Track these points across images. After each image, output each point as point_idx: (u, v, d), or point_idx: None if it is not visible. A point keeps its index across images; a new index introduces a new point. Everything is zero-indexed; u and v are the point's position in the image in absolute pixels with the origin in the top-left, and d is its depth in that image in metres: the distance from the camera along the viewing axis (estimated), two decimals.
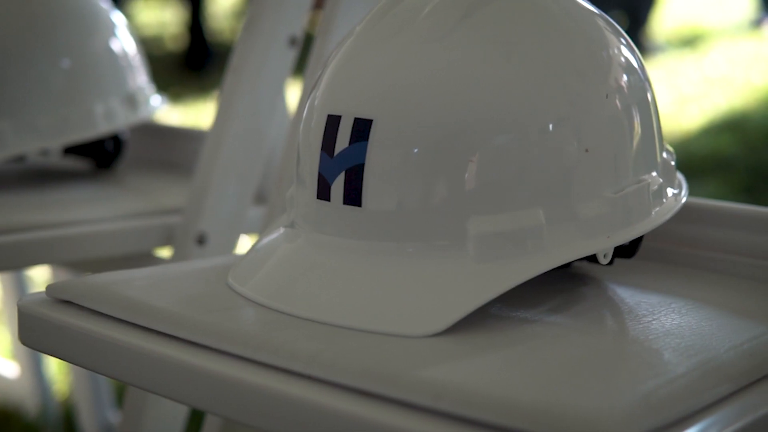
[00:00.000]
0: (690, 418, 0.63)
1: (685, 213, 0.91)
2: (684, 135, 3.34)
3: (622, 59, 0.81)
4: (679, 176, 0.88)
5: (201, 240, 1.15)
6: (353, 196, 0.76)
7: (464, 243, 0.74)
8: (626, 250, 0.86)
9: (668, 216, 0.81)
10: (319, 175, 0.78)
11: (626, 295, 0.83)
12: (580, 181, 0.76)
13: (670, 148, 0.87)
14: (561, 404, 0.60)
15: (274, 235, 0.84)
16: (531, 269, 0.74)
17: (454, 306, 0.72)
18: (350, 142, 0.77)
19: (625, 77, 0.80)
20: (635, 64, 0.82)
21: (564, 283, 0.85)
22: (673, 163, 0.85)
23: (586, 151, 0.76)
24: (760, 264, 0.89)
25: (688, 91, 3.91)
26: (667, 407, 0.62)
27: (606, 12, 0.85)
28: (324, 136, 0.78)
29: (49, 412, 1.80)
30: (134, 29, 1.32)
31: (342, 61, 0.81)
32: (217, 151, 1.16)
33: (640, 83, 0.82)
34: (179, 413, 1.18)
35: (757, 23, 5.24)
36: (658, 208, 0.81)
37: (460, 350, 0.69)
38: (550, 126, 0.76)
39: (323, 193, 0.78)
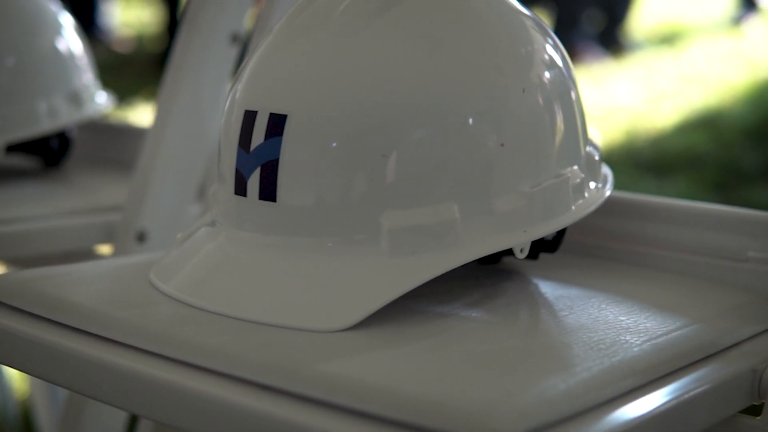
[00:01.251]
0: (587, 412, 0.62)
1: (611, 207, 0.91)
2: (658, 132, 3.35)
3: (545, 57, 0.81)
4: (606, 170, 0.88)
5: (141, 237, 1.15)
6: (268, 192, 0.76)
7: (378, 238, 0.74)
8: (550, 245, 0.86)
9: (589, 210, 0.81)
10: (237, 170, 0.78)
11: (548, 290, 0.83)
12: (496, 175, 0.76)
13: (596, 143, 0.87)
14: (453, 398, 0.60)
15: (197, 234, 0.83)
16: (444, 264, 0.74)
17: (364, 301, 0.72)
18: (266, 138, 0.76)
19: (546, 74, 0.80)
20: (559, 63, 0.82)
21: (487, 278, 0.85)
22: (597, 157, 0.85)
23: (502, 145, 0.76)
24: (683, 258, 0.89)
25: (664, 89, 3.91)
26: (564, 402, 0.62)
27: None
28: (241, 131, 0.78)
29: (8, 410, 1.79)
30: (115, 30, 1.31)
31: (260, 57, 0.81)
32: (157, 149, 1.16)
33: (563, 81, 0.81)
34: (119, 414, 1.17)
35: (737, 20, 5.24)
36: (579, 202, 0.81)
37: (367, 344, 0.69)
38: (466, 121, 0.75)
39: (240, 188, 0.78)
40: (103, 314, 0.75)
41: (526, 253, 0.78)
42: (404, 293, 0.73)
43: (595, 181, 0.84)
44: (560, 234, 0.85)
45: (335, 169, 0.75)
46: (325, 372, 0.64)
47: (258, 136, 0.77)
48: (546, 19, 4.47)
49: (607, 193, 0.84)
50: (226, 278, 0.77)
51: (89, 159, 1.41)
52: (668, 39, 4.87)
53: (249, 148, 0.77)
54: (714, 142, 3.19)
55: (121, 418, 1.19)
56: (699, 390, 0.70)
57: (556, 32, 0.86)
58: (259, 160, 0.76)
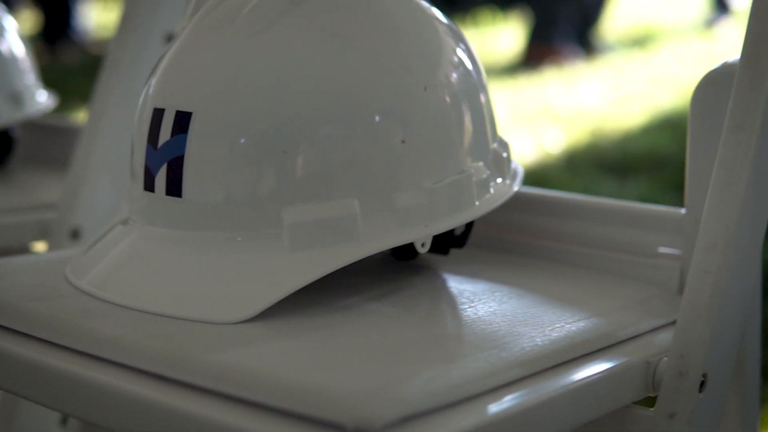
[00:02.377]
0: (467, 401, 0.64)
1: (523, 204, 0.93)
2: (624, 134, 3.37)
3: (453, 59, 0.83)
4: (515, 167, 0.90)
5: (75, 234, 1.16)
6: (174, 188, 0.78)
7: (280, 233, 0.76)
8: (458, 240, 0.87)
9: (494, 206, 0.83)
10: (146, 167, 0.80)
11: (454, 284, 0.85)
12: (397, 171, 0.78)
13: (505, 140, 0.89)
14: (333, 386, 0.62)
15: (114, 230, 0.85)
16: (344, 258, 0.76)
17: (263, 294, 0.74)
18: (172, 135, 0.78)
19: (453, 75, 0.82)
20: (468, 66, 0.83)
21: (397, 273, 0.86)
22: (505, 154, 0.87)
23: (403, 142, 0.78)
24: (594, 253, 0.91)
25: (633, 90, 3.93)
26: (444, 391, 0.63)
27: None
28: (150, 128, 0.80)
29: None
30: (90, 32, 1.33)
31: (171, 55, 0.82)
32: (91, 146, 1.17)
33: (470, 82, 0.83)
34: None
35: (710, 23, 5.27)
36: (484, 198, 0.82)
37: (263, 335, 0.71)
38: (368, 118, 0.77)
39: (149, 184, 0.79)
40: (12, 306, 0.76)
41: (428, 247, 0.80)
42: (303, 286, 0.74)
43: (502, 178, 0.86)
44: (468, 229, 0.87)
45: (237, 165, 0.76)
46: (214, 362, 0.66)
47: (165, 133, 0.78)
48: (526, 19, 4.51)
49: (514, 189, 0.86)
50: (134, 272, 0.79)
51: (33, 158, 1.42)
52: (640, 41, 4.89)
53: (157, 144, 0.79)
54: (678, 144, 3.21)
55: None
56: (589, 380, 0.71)
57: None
58: (166, 156, 0.78)
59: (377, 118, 0.77)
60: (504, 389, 0.67)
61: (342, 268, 0.75)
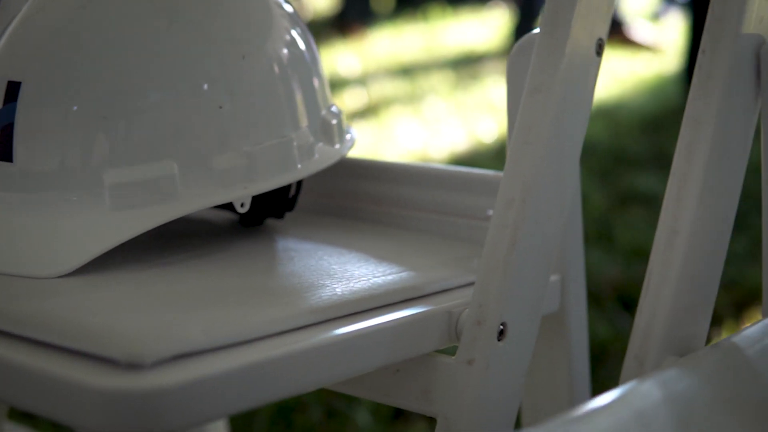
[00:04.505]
0: (243, 345, 0.68)
1: (358, 170, 0.98)
2: None
3: (282, 35, 0.88)
4: (351, 136, 0.94)
5: None
6: (5, 153, 0.82)
7: (102, 192, 0.80)
8: (288, 204, 0.92)
9: (317, 169, 0.87)
10: None
11: (282, 244, 0.90)
12: (216, 135, 0.82)
13: (337, 109, 0.93)
14: (115, 327, 0.67)
15: None
16: (162, 216, 0.80)
17: (82, 250, 0.78)
18: (4, 103, 0.82)
19: (279, 48, 0.87)
20: (299, 43, 0.89)
21: (235, 236, 0.91)
22: (335, 122, 0.91)
23: (220, 107, 0.82)
24: (427, 217, 0.96)
25: None
26: (221, 335, 0.68)
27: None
28: None
29: None
30: None
31: (11, 27, 0.86)
32: None
33: (298, 56, 0.88)
34: None
35: (657, 15, 5.33)
36: (307, 162, 0.87)
37: (78, 287, 0.76)
38: (188, 85, 0.82)
39: None
40: None
41: (247, 207, 0.84)
42: (121, 242, 0.79)
43: (330, 144, 0.90)
44: (296, 193, 0.92)
45: (63, 130, 0.81)
46: (19, 309, 0.70)
47: None
48: (510, 12, 4.54)
49: (341, 154, 0.90)
50: None
51: None
52: None
53: None
54: (609, 132, 3.27)
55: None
56: (380, 327, 0.75)
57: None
58: None
59: (196, 85, 0.82)
60: (288, 334, 0.71)
61: (186, 233, 0.80)
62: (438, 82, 4.20)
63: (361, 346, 0.74)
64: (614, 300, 1.97)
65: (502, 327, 0.79)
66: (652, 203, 2.54)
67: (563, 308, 0.93)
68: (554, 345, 0.95)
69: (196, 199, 0.81)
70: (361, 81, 4.17)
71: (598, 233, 2.36)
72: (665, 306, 0.74)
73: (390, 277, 0.82)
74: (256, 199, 0.87)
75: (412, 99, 3.89)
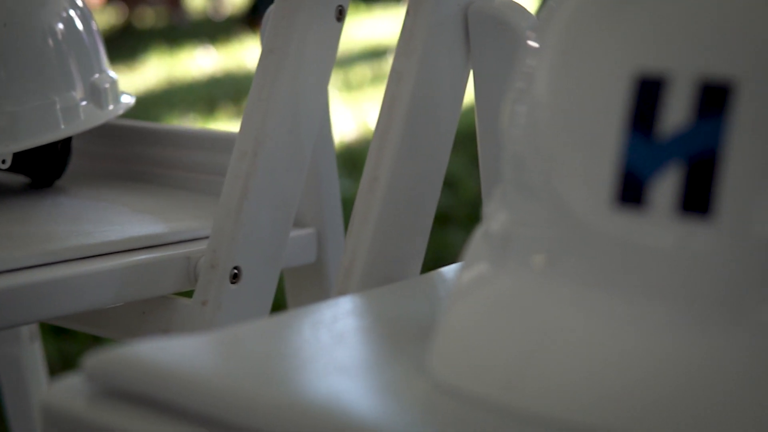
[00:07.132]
0: None
1: (137, 136, 1.05)
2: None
3: (54, 9, 0.96)
4: (125, 101, 1.01)
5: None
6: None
7: None
8: (59, 162, 0.99)
9: (80, 130, 0.95)
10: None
11: (57, 200, 0.97)
12: None
13: (111, 75, 1.00)
14: None
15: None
16: None
17: None
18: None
19: (48, 19, 0.94)
20: (72, 16, 0.97)
21: (24, 197, 0.98)
22: (107, 85, 0.98)
23: None
24: (190, 176, 1.02)
25: None
26: None
27: None
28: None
29: None
30: None
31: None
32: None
33: (68, 25, 0.96)
34: None
35: None
36: (72, 123, 0.94)
37: None
38: None
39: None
40: None
41: (8, 164, 0.91)
42: None
43: (99, 108, 0.97)
44: (65, 157, 0.98)
45: None
46: None
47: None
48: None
49: (108, 117, 0.98)
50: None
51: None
52: None
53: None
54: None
55: None
56: (122, 267, 0.83)
57: None
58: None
59: None
60: (23, 271, 0.79)
61: None
62: (336, 77, 4.26)
63: (95, 283, 0.81)
64: None
65: (236, 271, 0.85)
66: None
67: (320, 259, 1.00)
68: (314, 294, 1.01)
69: None
70: None
71: (468, 216, 2.44)
72: (365, 245, 0.81)
73: (140, 227, 0.89)
74: (28, 159, 0.93)
75: None
